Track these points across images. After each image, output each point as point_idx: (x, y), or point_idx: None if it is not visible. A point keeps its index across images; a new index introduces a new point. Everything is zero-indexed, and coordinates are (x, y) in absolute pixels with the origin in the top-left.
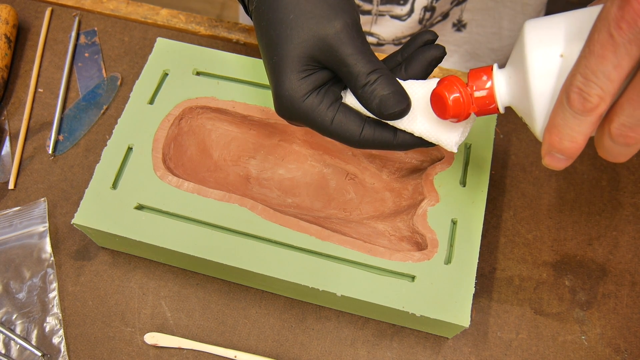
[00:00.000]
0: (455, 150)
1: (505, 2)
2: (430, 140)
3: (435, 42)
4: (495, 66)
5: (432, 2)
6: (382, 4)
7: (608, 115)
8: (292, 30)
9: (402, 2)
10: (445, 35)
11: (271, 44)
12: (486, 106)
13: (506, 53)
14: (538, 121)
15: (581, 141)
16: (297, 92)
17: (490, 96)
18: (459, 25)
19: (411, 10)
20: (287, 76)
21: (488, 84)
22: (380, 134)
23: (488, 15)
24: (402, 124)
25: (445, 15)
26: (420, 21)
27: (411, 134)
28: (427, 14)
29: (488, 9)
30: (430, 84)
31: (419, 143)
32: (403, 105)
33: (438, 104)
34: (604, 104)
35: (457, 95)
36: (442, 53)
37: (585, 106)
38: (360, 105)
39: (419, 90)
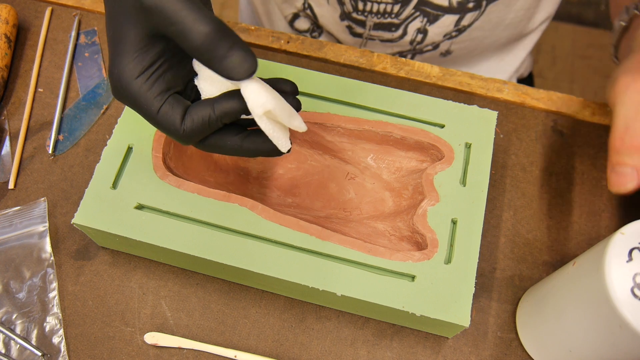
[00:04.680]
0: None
1: (491, 49)
2: (267, 132)
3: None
4: None
5: (424, 25)
6: (374, 30)
7: None
8: (115, 1)
9: (393, 29)
10: (432, 59)
11: (106, 17)
12: None
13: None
14: None
15: None
16: (126, 73)
17: None
18: (446, 54)
19: (404, 34)
20: (117, 53)
21: None
22: (204, 126)
23: (476, 49)
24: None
25: (435, 46)
26: (411, 42)
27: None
28: (419, 36)
29: (476, 47)
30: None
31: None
32: (253, 68)
33: None
34: None
35: None
36: (293, 90)
37: None
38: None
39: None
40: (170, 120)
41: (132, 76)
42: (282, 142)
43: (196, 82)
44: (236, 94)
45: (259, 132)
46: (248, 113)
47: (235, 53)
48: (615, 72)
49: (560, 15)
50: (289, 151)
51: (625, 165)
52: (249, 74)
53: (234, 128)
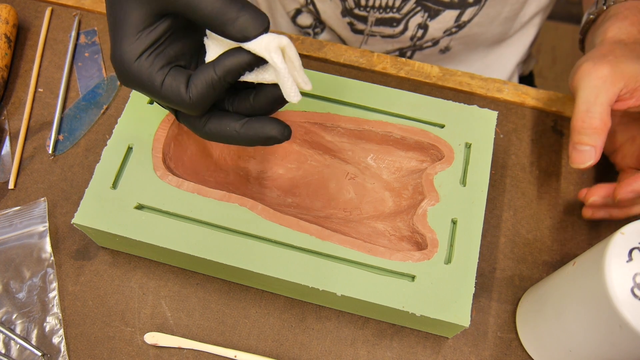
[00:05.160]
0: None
1: (495, 47)
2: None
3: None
4: None
5: (425, 20)
6: (376, 25)
7: None
8: None
9: (395, 24)
10: (431, 56)
11: (107, 4)
12: None
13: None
14: None
15: None
16: (127, 54)
17: None
18: (445, 50)
19: (405, 29)
20: (119, 36)
21: None
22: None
23: (474, 44)
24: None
25: (435, 42)
26: (412, 38)
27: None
28: (420, 32)
29: (478, 45)
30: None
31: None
32: (265, 23)
33: None
34: None
35: None
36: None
37: None
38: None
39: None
40: (175, 91)
41: (133, 56)
42: (293, 89)
43: (205, 42)
44: (237, 50)
45: (258, 119)
46: (251, 68)
47: (246, 12)
48: (579, 61)
49: (560, 15)
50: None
51: (585, 145)
52: (262, 29)
53: (234, 116)
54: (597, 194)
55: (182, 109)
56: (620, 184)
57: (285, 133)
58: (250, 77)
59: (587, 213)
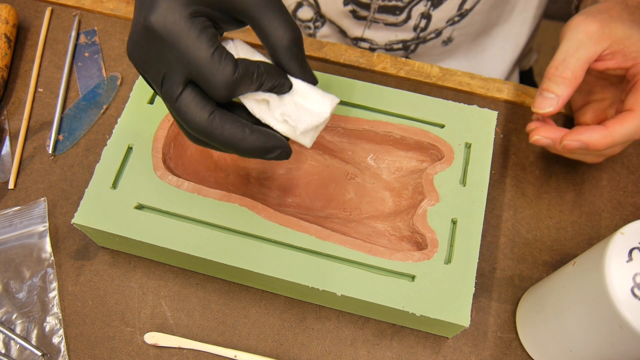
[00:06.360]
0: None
1: (493, 34)
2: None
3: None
4: None
5: (428, 10)
6: (379, 13)
7: None
8: None
9: (398, 12)
10: (434, 49)
11: None
12: None
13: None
14: None
15: None
16: (175, 8)
17: None
18: (448, 42)
19: (408, 17)
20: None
21: None
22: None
23: (476, 34)
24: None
25: (438, 34)
26: (415, 28)
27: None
28: (423, 22)
29: (478, 34)
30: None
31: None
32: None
33: None
34: None
35: None
36: None
37: None
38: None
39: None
40: (225, 63)
41: (182, 13)
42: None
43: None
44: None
45: (269, 131)
46: (282, 91)
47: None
48: (574, 16)
49: (560, 16)
50: (287, 155)
51: (550, 92)
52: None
53: (246, 123)
54: (544, 134)
55: (218, 82)
56: (570, 131)
57: (289, 150)
58: (260, 111)
59: (531, 138)
